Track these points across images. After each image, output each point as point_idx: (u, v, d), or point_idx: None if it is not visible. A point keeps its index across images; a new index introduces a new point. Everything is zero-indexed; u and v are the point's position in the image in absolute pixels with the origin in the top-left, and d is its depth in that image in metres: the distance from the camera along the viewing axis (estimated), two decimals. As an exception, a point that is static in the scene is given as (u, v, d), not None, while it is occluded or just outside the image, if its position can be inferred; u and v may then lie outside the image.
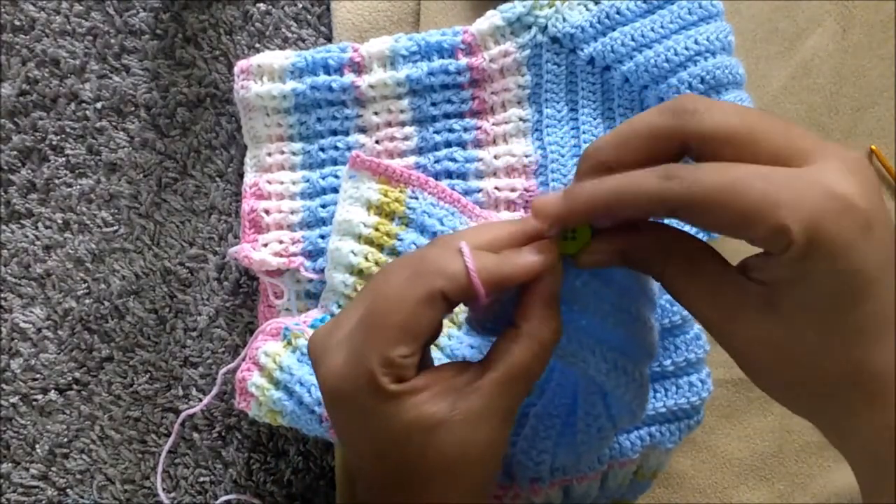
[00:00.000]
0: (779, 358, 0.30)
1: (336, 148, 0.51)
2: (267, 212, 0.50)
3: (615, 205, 0.30)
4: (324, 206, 0.50)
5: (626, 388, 0.35)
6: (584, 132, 0.50)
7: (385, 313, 0.31)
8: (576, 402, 0.40)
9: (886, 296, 0.29)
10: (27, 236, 0.54)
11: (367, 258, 0.46)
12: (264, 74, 0.50)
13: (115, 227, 0.54)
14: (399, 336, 0.30)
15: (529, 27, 0.50)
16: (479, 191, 0.49)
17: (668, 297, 0.44)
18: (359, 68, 0.50)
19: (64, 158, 0.54)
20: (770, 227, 0.27)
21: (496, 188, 0.49)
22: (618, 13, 0.48)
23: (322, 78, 0.50)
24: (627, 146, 0.31)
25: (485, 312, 0.34)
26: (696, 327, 0.46)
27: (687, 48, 0.47)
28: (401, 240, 0.46)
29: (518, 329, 0.32)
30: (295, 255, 0.50)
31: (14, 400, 0.53)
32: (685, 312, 0.46)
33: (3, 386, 0.53)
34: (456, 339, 0.45)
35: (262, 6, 0.54)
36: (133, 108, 0.54)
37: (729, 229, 0.29)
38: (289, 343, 0.46)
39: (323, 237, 0.49)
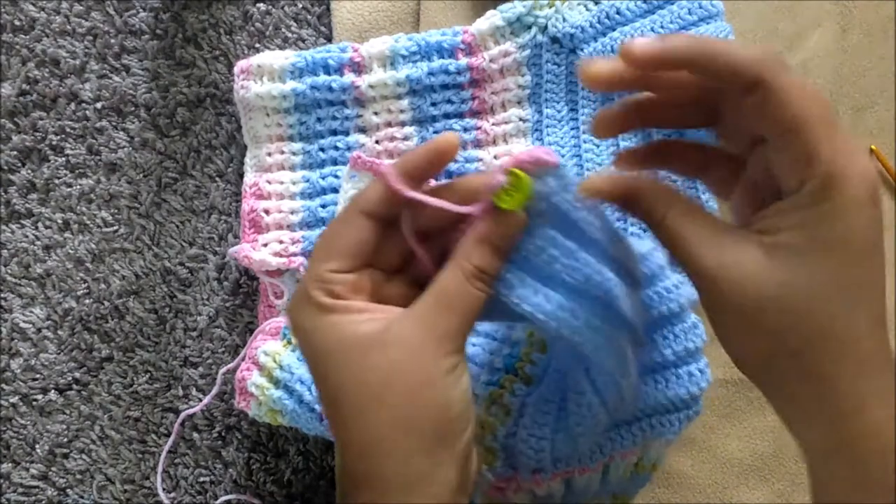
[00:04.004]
0: (766, 308, 0.31)
1: (336, 148, 0.51)
2: (267, 212, 0.50)
3: (709, 58, 0.31)
4: (324, 206, 0.50)
5: (607, 353, 0.35)
6: (583, 132, 0.50)
7: (318, 241, 0.34)
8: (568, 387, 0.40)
9: (876, 269, 0.31)
10: (27, 236, 0.54)
11: (366, 258, 0.46)
12: (264, 74, 0.50)
13: (115, 227, 0.54)
14: (326, 254, 0.33)
15: (529, 27, 0.50)
16: (479, 191, 0.49)
17: (664, 284, 0.44)
18: (359, 68, 0.50)
19: (64, 158, 0.54)
20: (807, 148, 0.30)
21: (496, 188, 0.49)
22: (618, 13, 0.48)
23: (322, 78, 0.50)
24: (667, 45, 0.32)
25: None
26: (694, 316, 0.46)
27: (687, 48, 0.47)
28: (401, 240, 0.46)
29: (449, 259, 0.33)
30: (295, 255, 0.50)
31: (14, 400, 0.53)
32: (682, 300, 0.46)
33: (3, 386, 0.53)
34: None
35: (262, 6, 0.54)
36: (133, 108, 0.54)
37: (776, 130, 0.31)
38: (289, 342, 0.46)
39: (323, 237, 0.49)
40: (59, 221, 0.54)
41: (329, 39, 0.54)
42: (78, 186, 0.54)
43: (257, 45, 0.54)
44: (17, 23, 0.54)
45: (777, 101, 0.30)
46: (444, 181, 0.35)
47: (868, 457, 0.30)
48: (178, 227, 0.54)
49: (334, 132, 0.51)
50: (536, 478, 0.43)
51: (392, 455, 0.31)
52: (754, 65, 0.30)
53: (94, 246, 0.54)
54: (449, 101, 0.50)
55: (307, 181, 0.50)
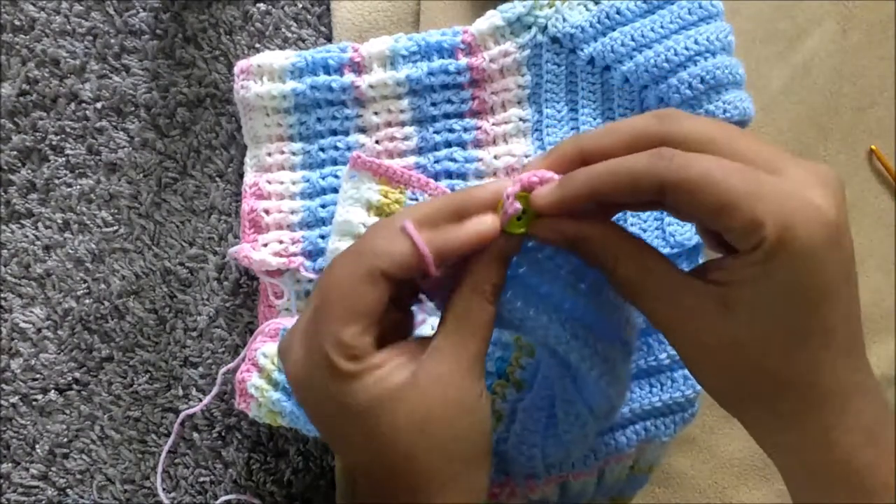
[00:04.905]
0: (726, 357, 0.31)
1: (336, 148, 0.51)
2: (267, 212, 0.50)
3: (610, 186, 0.31)
4: (323, 206, 0.50)
5: (592, 363, 0.35)
6: (584, 132, 0.49)
7: (331, 297, 0.32)
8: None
9: (839, 310, 0.30)
10: (27, 236, 0.54)
11: (366, 258, 0.45)
12: (264, 74, 0.50)
13: (115, 227, 0.54)
14: (346, 316, 0.31)
15: (529, 27, 0.50)
16: (479, 191, 0.49)
17: None
18: (359, 68, 0.50)
19: (64, 158, 0.54)
20: (747, 219, 0.29)
21: (496, 188, 0.49)
22: (618, 13, 0.48)
23: (322, 78, 0.50)
24: (611, 137, 0.32)
25: (438, 289, 0.35)
26: None
27: (687, 48, 0.47)
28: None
29: (461, 283, 0.33)
30: (295, 254, 0.50)
31: (14, 400, 0.53)
32: None
33: (3, 386, 0.53)
34: None
35: (262, 6, 0.54)
36: (133, 108, 0.54)
37: (708, 215, 0.30)
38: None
39: (323, 237, 0.49)
40: (59, 221, 0.54)
41: (329, 39, 0.54)
42: (78, 186, 0.54)
43: (257, 45, 0.54)
44: (16, 23, 0.54)
45: (693, 195, 0.29)
46: (454, 194, 0.34)
47: (835, 484, 0.31)
48: (178, 227, 0.54)
49: (334, 132, 0.51)
50: (530, 483, 0.43)
51: (444, 483, 0.32)
52: (649, 176, 0.30)
53: (94, 246, 0.54)
54: (449, 101, 0.50)
55: (307, 181, 0.50)
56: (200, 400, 0.53)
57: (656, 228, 0.48)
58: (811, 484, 0.32)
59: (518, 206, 0.32)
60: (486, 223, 0.33)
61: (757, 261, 0.29)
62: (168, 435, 0.53)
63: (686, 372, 0.46)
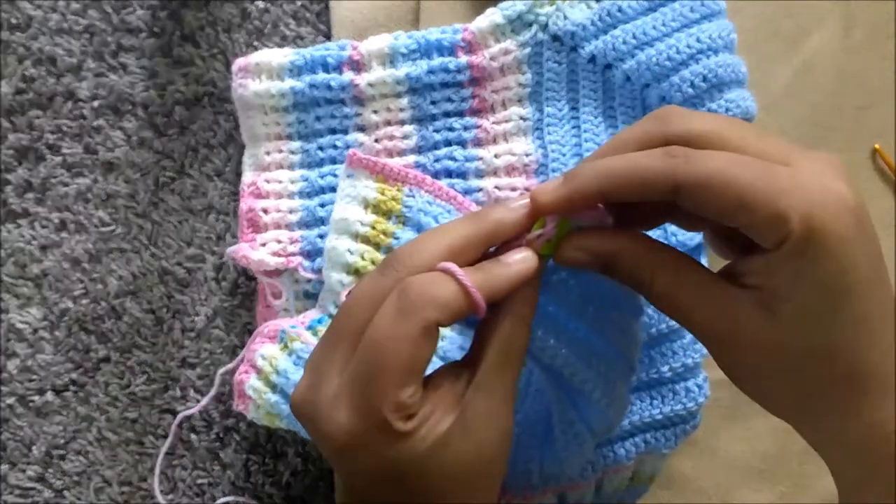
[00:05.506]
0: (774, 361, 0.30)
1: (335, 147, 0.50)
2: (265, 211, 0.50)
3: (619, 183, 0.30)
4: (322, 206, 0.49)
5: (595, 385, 0.35)
6: (585, 131, 0.49)
7: (384, 359, 0.30)
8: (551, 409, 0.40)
9: (878, 293, 0.30)
10: (24, 236, 0.53)
11: (363, 257, 0.45)
12: (262, 72, 0.50)
13: (113, 227, 0.53)
14: (405, 378, 0.30)
15: (530, 25, 0.49)
16: (479, 190, 0.49)
17: None
18: (358, 66, 0.50)
19: (60, 157, 0.53)
20: (770, 214, 0.28)
21: (496, 187, 0.49)
22: (619, 11, 0.48)
23: (321, 76, 0.49)
24: (616, 152, 0.31)
25: None
26: None
27: (689, 46, 0.47)
28: (397, 238, 0.45)
29: (498, 309, 0.32)
30: (293, 254, 0.49)
31: (11, 401, 0.52)
32: None
33: (0, 387, 0.53)
34: (448, 340, 0.45)
35: (260, 4, 0.54)
36: (130, 107, 0.54)
37: (727, 213, 0.29)
38: (285, 346, 0.46)
39: (321, 237, 0.49)
40: (56, 221, 0.53)
41: (328, 37, 0.54)
42: (75, 186, 0.53)
43: (255, 43, 0.54)
44: (13, 21, 0.54)
45: (710, 193, 0.28)
46: (477, 218, 0.33)
47: (888, 477, 0.30)
48: (175, 226, 0.53)
49: (333, 131, 0.51)
50: (527, 493, 0.42)
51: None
52: (663, 175, 0.29)
53: (91, 246, 0.53)
54: (449, 100, 0.50)
55: (306, 180, 0.50)
56: (198, 401, 0.52)
57: (657, 227, 0.48)
58: (867, 487, 0.31)
59: (552, 232, 0.32)
60: (531, 262, 0.32)
61: (787, 256, 0.28)
62: (166, 436, 0.52)
63: (689, 384, 0.46)
